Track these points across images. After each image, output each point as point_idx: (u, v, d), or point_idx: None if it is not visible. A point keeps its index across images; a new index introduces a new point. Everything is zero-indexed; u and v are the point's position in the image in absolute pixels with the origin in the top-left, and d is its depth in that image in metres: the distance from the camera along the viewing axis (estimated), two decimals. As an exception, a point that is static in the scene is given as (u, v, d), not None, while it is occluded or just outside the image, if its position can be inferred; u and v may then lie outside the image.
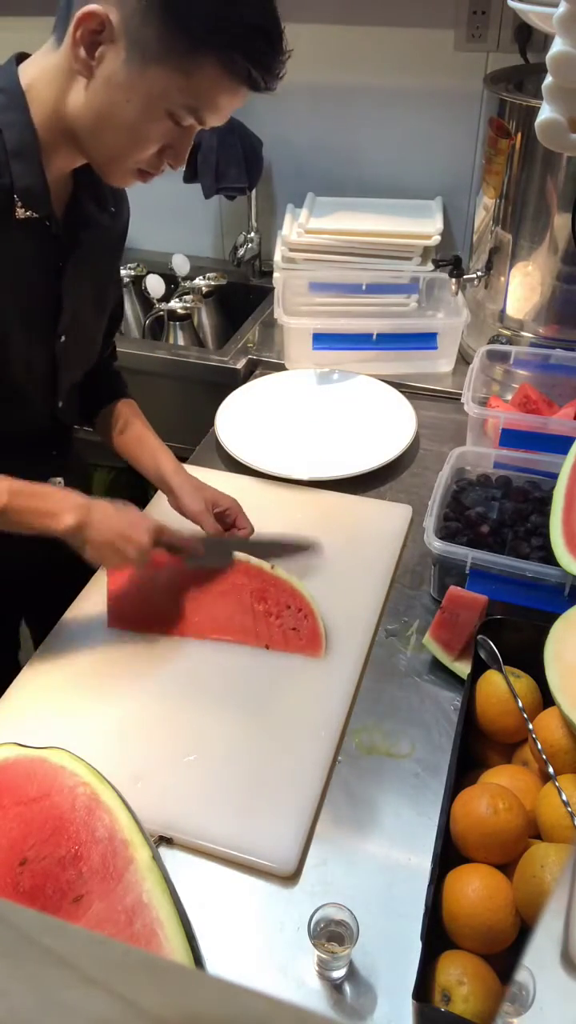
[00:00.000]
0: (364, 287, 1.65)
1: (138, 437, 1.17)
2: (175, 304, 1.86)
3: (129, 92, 0.81)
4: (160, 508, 1.24)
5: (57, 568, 1.10)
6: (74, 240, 0.95)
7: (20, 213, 0.86)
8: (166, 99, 0.81)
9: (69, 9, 0.79)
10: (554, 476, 1.05)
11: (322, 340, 1.53)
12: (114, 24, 0.78)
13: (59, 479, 1.11)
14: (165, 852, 0.80)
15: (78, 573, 1.11)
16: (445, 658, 0.97)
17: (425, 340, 1.54)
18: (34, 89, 0.85)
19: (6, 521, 0.90)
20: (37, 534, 0.91)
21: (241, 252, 1.92)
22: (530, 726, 0.81)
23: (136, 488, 2.08)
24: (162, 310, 1.87)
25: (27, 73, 0.85)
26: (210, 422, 1.42)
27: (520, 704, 0.83)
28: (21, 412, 1.02)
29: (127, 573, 1.07)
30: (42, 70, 0.84)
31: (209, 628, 1.02)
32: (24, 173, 0.85)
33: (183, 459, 1.36)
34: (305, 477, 1.29)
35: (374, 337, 1.52)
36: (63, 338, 1.00)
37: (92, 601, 1.08)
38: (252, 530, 1.13)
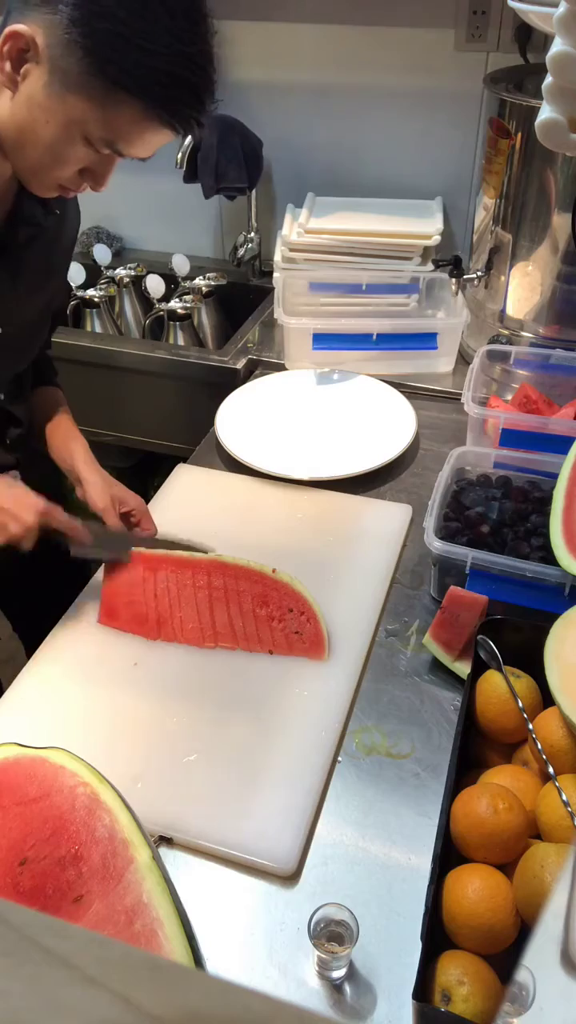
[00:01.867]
0: (364, 287, 1.65)
1: (55, 424, 1.17)
2: (175, 304, 1.86)
3: (48, 114, 0.82)
4: (161, 504, 1.24)
5: (37, 570, 1.10)
6: (11, 240, 0.97)
7: None
8: (83, 128, 0.82)
9: (5, 24, 0.79)
10: (554, 476, 1.05)
11: (322, 340, 1.53)
12: (39, 47, 0.78)
13: (15, 472, 1.11)
14: (165, 852, 0.80)
15: (60, 575, 1.12)
16: (445, 658, 0.97)
17: (425, 340, 1.54)
18: None
19: None
20: None
21: (241, 252, 1.92)
22: (530, 726, 0.81)
23: (137, 487, 2.08)
24: (162, 310, 1.87)
25: None
26: (210, 422, 1.42)
27: (520, 704, 0.83)
28: None
29: (122, 575, 1.07)
30: None
31: (210, 635, 1.02)
32: None
33: (183, 459, 1.37)
34: (305, 477, 1.29)
35: (374, 337, 1.52)
36: (0, 331, 1.01)
37: (92, 601, 1.08)
38: (155, 532, 1.14)
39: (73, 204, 1.08)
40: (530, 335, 1.47)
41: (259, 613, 1.03)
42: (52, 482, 1.20)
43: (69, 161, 0.86)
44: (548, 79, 0.82)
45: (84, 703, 0.95)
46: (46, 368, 1.25)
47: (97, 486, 1.09)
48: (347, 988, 0.70)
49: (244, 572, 1.06)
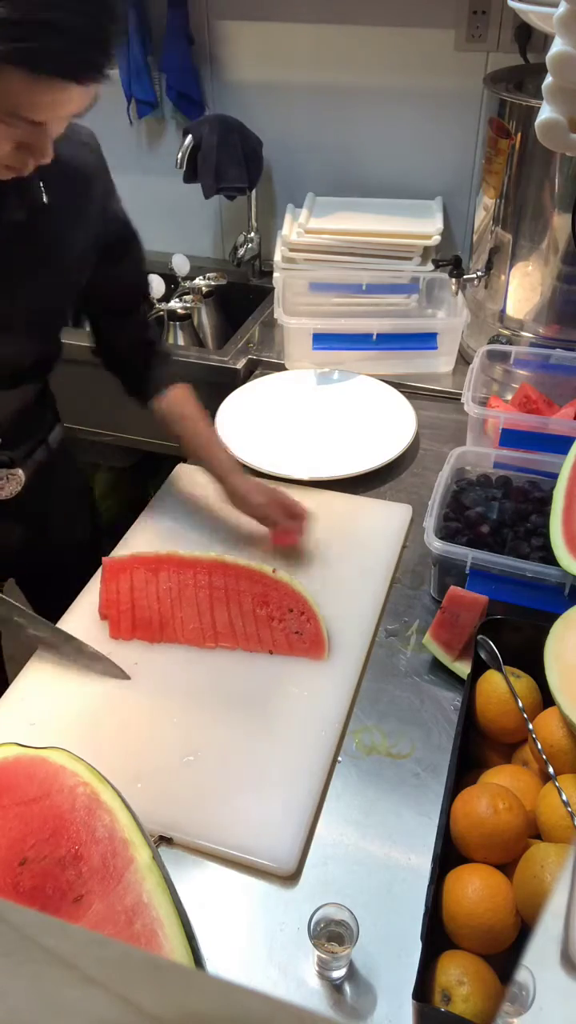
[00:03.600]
0: (364, 287, 1.65)
1: (193, 432, 1.19)
2: (175, 304, 1.86)
3: None
4: (161, 504, 1.24)
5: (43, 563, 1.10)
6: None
7: None
8: None
9: None
10: (554, 476, 1.05)
11: (322, 340, 1.53)
12: None
13: (17, 470, 1.13)
14: (165, 852, 0.80)
15: (69, 570, 1.12)
16: (445, 658, 0.97)
17: (425, 340, 1.54)
18: None
19: None
20: None
21: (241, 252, 1.92)
22: (530, 726, 0.81)
23: (137, 487, 2.08)
24: (162, 310, 1.87)
25: None
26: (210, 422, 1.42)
27: (520, 704, 0.83)
28: None
29: (122, 580, 1.06)
30: None
31: (210, 635, 1.02)
32: None
33: (183, 459, 1.37)
34: (305, 477, 1.29)
35: (374, 337, 1.52)
36: None
37: (91, 601, 1.08)
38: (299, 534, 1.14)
39: (51, 189, 1.01)
40: (530, 335, 1.47)
41: (259, 613, 1.03)
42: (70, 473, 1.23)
43: (4, 144, 0.81)
44: (548, 79, 0.82)
45: (84, 703, 0.95)
46: (157, 362, 1.22)
47: (252, 493, 1.13)
48: (347, 988, 0.70)
49: (244, 572, 1.06)
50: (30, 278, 1.01)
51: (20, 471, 1.14)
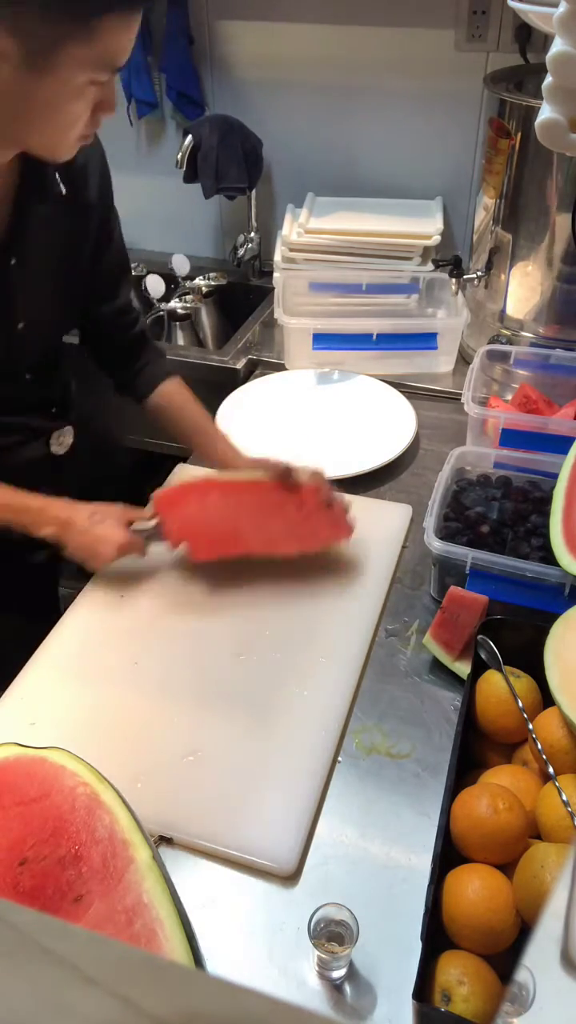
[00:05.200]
0: (364, 287, 1.65)
1: (193, 428, 1.24)
2: (175, 304, 1.86)
3: (47, 93, 0.82)
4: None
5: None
6: (20, 235, 0.98)
7: None
8: (86, 74, 0.82)
9: None
10: (554, 476, 1.05)
11: (322, 340, 1.53)
12: (8, 44, 0.77)
13: (68, 427, 1.22)
14: (165, 852, 0.80)
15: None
16: (445, 658, 0.97)
17: (425, 340, 1.54)
18: None
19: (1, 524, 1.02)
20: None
21: (241, 252, 1.92)
22: (530, 726, 0.81)
23: (132, 488, 2.08)
24: (162, 310, 1.87)
25: None
26: (210, 422, 1.42)
27: (520, 704, 0.83)
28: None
29: (183, 509, 1.12)
30: None
31: (271, 542, 1.09)
32: None
33: (183, 459, 1.37)
34: (305, 477, 1.28)
35: (374, 337, 1.52)
36: (20, 325, 1.04)
37: (92, 601, 1.08)
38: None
39: (87, 177, 1.06)
40: (530, 335, 1.47)
41: (298, 513, 1.11)
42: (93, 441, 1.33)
43: (84, 112, 0.86)
44: (548, 79, 0.82)
45: (84, 703, 0.95)
46: (151, 356, 1.25)
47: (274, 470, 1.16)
48: (347, 988, 0.70)
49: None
50: (61, 264, 1.06)
51: (71, 428, 1.22)
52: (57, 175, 1.00)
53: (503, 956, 0.68)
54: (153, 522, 1.11)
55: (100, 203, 1.09)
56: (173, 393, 1.23)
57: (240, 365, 1.61)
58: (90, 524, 1.05)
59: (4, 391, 1.11)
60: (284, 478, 1.13)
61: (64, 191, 1.01)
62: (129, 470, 1.96)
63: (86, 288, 1.14)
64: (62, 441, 1.22)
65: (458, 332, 1.55)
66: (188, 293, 1.90)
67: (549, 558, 0.96)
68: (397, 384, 1.50)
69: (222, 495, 1.13)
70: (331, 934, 0.69)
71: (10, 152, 0.92)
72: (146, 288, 1.88)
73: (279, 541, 1.09)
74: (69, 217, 1.04)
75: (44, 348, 1.14)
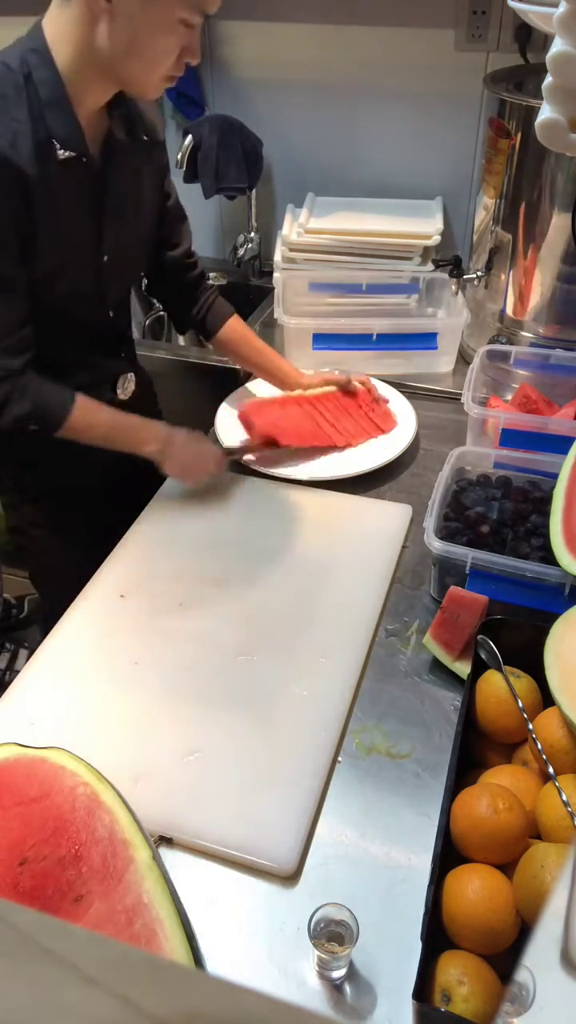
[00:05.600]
0: (364, 287, 1.65)
1: (258, 354, 1.41)
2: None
3: (149, 21, 0.94)
4: (161, 504, 1.24)
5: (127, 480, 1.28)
6: (112, 170, 1.09)
7: (60, 155, 1.00)
8: (179, 15, 0.95)
9: None
10: (554, 476, 1.05)
11: (322, 340, 1.53)
12: None
13: (131, 373, 1.32)
14: (165, 852, 0.80)
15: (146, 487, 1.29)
16: (445, 658, 0.97)
17: (425, 340, 1.54)
18: (59, 44, 0.97)
19: (105, 443, 1.15)
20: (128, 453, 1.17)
21: (241, 252, 1.92)
22: (530, 726, 0.81)
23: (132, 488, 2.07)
24: (162, 310, 1.86)
25: (49, 31, 0.98)
26: (210, 422, 1.42)
27: (520, 704, 0.83)
28: (83, 323, 1.18)
29: (268, 416, 1.34)
30: (61, 25, 0.97)
31: (339, 437, 1.35)
32: (59, 121, 0.99)
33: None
34: (305, 477, 1.29)
35: (374, 337, 1.52)
36: (105, 258, 1.13)
37: (92, 601, 1.08)
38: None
39: (157, 128, 1.19)
40: (530, 335, 1.47)
41: (359, 412, 1.40)
42: (146, 387, 1.42)
43: (173, 50, 0.97)
44: (548, 79, 0.82)
45: (84, 703, 0.95)
46: (212, 299, 1.38)
47: (316, 379, 1.42)
48: (347, 988, 0.70)
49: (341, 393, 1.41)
50: (140, 204, 1.17)
51: (134, 375, 1.32)
52: (138, 120, 1.12)
53: (503, 956, 0.68)
54: (238, 442, 1.33)
55: (164, 150, 1.21)
56: (237, 327, 1.39)
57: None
58: (189, 441, 1.21)
59: (91, 324, 1.19)
60: (345, 386, 1.40)
61: (145, 136, 1.13)
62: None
63: (158, 230, 1.26)
64: (126, 387, 1.31)
65: (458, 332, 1.55)
66: (188, 293, 1.89)
67: (549, 558, 0.96)
68: (397, 384, 1.50)
69: (297, 404, 1.38)
70: (331, 934, 0.69)
71: (111, 90, 1.03)
72: (146, 288, 1.88)
73: (349, 433, 1.35)
74: (147, 160, 1.16)
75: (124, 284, 1.24)
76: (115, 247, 1.14)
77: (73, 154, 1.01)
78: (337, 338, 1.53)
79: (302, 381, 1.41)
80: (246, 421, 1.35)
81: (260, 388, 1.51)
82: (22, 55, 0.97)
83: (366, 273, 1.65)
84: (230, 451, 1.29)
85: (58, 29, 0.97)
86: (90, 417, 1.13)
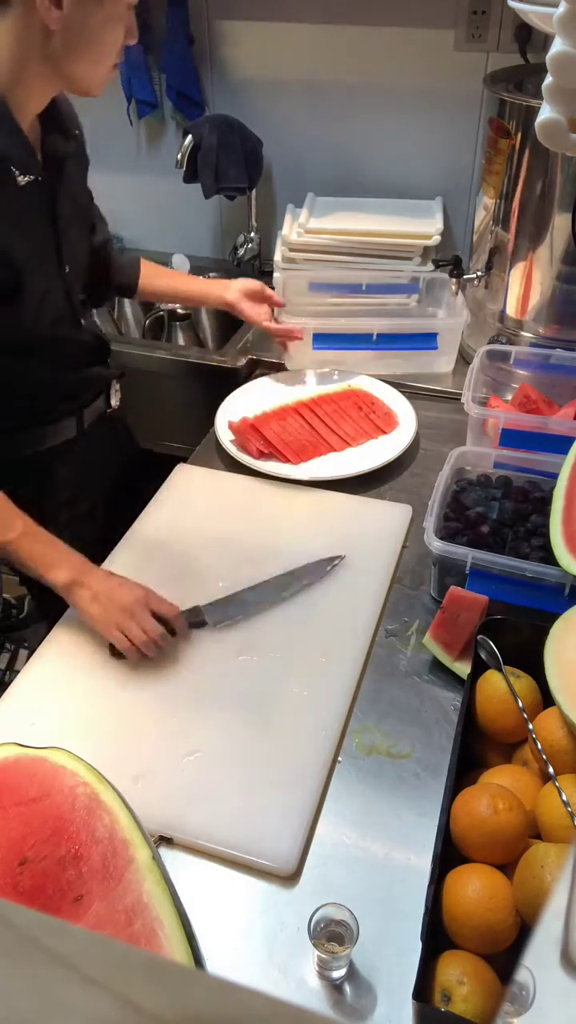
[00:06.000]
0: (364, 287, 1.65)
1: (165, 280, 1.44)
2: (175, 304, 1.86)
3: (103, 16, 0.92)
4: (161, 504, 1.24)
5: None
6: (55, 180, 1.05)
7: (21, 180, 0.97)
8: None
9: None
10: (554, 476, 1.05)
11: (322, 340, 1.53)
12: None
13: (120, 373, 1.33)
14: (165, 852, 0.80)
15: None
16: (445, 658, 0.97)
17: (425, 340, 1.54)
18: None
19: (5, 554, 0.97)
20: (31, 577, 0.98)
21: (241, 252, 1.92)
22: (530, 726, 0.81)
23: (132, 488, 2.08)
24: (162, 310, 1.87)
25: None
26: (210, 422, 1.42)
27: (520, 704, 0.83)
28: (65, 341, 1.16)
29: (271, 428, 1.34)
30: None
31: (338, 441, 1.35)
32: (11, 144, 0.95)
33: (183, 459, 1.37)
34: (305, 477, 1.29)
35: (374, 337, 1.52)
36: (67, 268, 1.11)
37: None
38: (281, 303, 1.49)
39: (76, 118, 1.15)
40: (530, 335, 1.47)
41: (358, 414, 1.41)
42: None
43: (120, 39, 0.96)
44: (548, 79, 0.82)
45: (84, 703, 0.95)
46: (126, 260, 1.40)
47: (248, 305, 1.45)
48: (347, 988, 0.70)
49: (343, 395, 1.45)
50: (79, 203, 1.14)
51: (119, 378, 1.33)
52: (64, 116, 1.08)
53: (503, 956, 0.68)
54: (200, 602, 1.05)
55: (84, 141, 1.17)
56: (148, 269, 1.41)
57: (240, 365, 1.61)
58: (110, 578, 0.98)
59: (72, 337, 1.18)
60: (260, 293, 1.42)
61: (76, 130, 1.11)
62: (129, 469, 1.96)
63: (92, 225, 1.24)
64: (117, 390, 1.32)
65: (458, 332, 1.55)
66: (188, 293, 1.90)
67: (549, 558, 0.96)
68: (397, 384, 1.50)
69: (296, 412, 1.39)
70: (331, 934, 0.69)
71: (50, 96, 1.00)
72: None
73: (349, 437, 1.36)
74: (76, 157, 1.12)
75: (79, 289, 1.20)
76: (71, 255, 1.12)
77: (32, 178, 0.98)
78: (337, 338, 1.53)
79: (226, 296, 1.44)
80: (242, 438, 1.33)
81: (262, 388, 1.51)
82: None
83: (366, 273, 1.65)
84: (192, 612, 1.03)
85: None
86: (3, 517, 0.97)
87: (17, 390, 1.14)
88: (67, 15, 0.89)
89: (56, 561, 0.97)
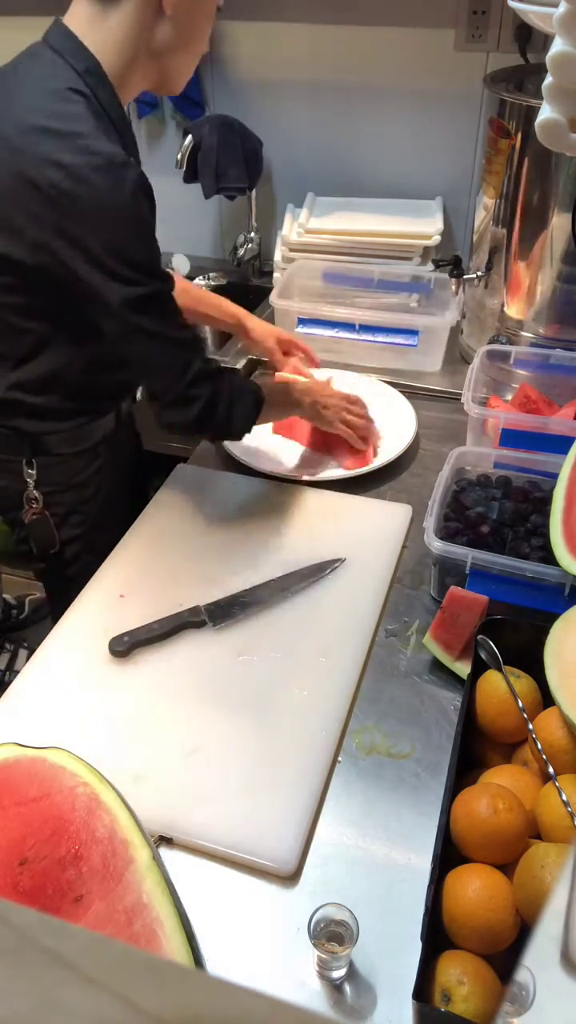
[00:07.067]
0: (375, 280, 1.66)
1: (196, 296, 1.42)
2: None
3: (202, 11, 0.96)
4: (161, 504, 1.24)
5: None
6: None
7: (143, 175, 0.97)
8: None
9: None
10: (554, 476, 1.05)
11: (306, 323, 1.56)
12: None
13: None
14: (165, 852, 0.80)
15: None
16: (445, 658, 0.97)
17: (405, 336, 1.56)
18: (106, 53, 0.94)
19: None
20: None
21: (241, 252, 1.92)
22: (530, 726, 0.81)
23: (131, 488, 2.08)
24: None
25: (90, 40, 0.93)
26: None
27: (520, 704, 0.83)
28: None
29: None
30: (104, 32, 0.93)
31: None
32: (130, 142, 0.98)
33: (183, 459, 1.37)
34: (305, 477, 1.29)
35: (356, 327, 1.55)
36: None
37: (93, 601, 1.08)
38: (317, 360, 1.50)
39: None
40: (530, 335, 1.47)
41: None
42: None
43: (209, 32, 1.00)
44: (548, 79, 0.82)
45: (84, 703, 0.95)
46: None
47: (260, 329, 1.43)
48: (347, 988, 0.70)
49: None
50: None
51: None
52: None
53: (503, 956, 0.68)
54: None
55: None
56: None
57: (240, 365, 1.61)
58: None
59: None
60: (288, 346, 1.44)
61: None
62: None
63: None
64: (139, 392, 1.34)
65: (443, 332, 1.54)
66: (188, 293, 1.90)
67: (549, 558, 0.96)
68: (397, 384, 1.50)
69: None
70: (331, 934, 0.69)
71: (140, 91, 1.01)
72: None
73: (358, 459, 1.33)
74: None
75: None
76: None
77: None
78: (321, 323, 1.56)
79: (268, 344, 1.43)
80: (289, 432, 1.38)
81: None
82: (79, 75, 0.92)
83: (376, 268, 1.66)
84: (192, 612, 1.06)
85: (101, 37, 0.93)
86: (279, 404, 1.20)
87: (105, 380, 1.16)
88: (175, 9, 0.92)
89: (287, 403, 1.23)
